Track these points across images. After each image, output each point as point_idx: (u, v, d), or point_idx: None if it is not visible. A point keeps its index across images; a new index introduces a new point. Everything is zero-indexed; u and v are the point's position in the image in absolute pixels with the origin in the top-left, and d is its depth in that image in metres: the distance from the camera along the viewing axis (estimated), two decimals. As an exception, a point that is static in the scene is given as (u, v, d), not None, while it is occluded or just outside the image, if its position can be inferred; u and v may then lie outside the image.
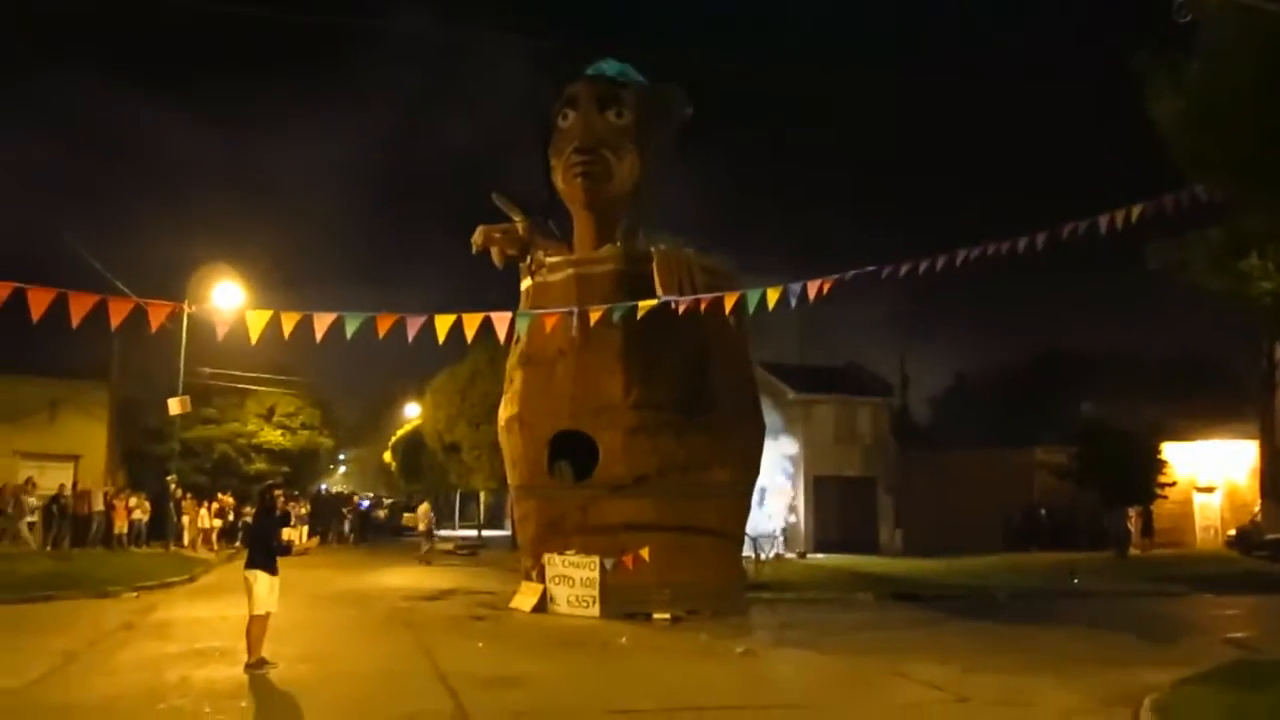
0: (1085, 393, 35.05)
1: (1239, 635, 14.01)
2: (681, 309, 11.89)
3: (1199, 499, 33.23)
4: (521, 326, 11.91)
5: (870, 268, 10.54)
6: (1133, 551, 28.66)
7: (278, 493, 11.25)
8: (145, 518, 27.84)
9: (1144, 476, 29.06)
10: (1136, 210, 10.44)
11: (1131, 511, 29.77)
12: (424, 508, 30.80)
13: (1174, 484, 30.47)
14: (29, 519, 24.82)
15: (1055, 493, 32.07)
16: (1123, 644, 13.05)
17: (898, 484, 35.26)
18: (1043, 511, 33.30)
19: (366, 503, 51.35)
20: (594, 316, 10.98)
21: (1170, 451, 30.57)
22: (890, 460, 35.93)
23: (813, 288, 10.19)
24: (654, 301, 10.88)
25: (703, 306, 11.01)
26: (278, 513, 11.22)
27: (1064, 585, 20.98)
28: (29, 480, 25.65)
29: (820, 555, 31.49)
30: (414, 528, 48.67)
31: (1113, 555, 27.77)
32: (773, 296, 10.12)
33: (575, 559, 15.46)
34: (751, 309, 10.39)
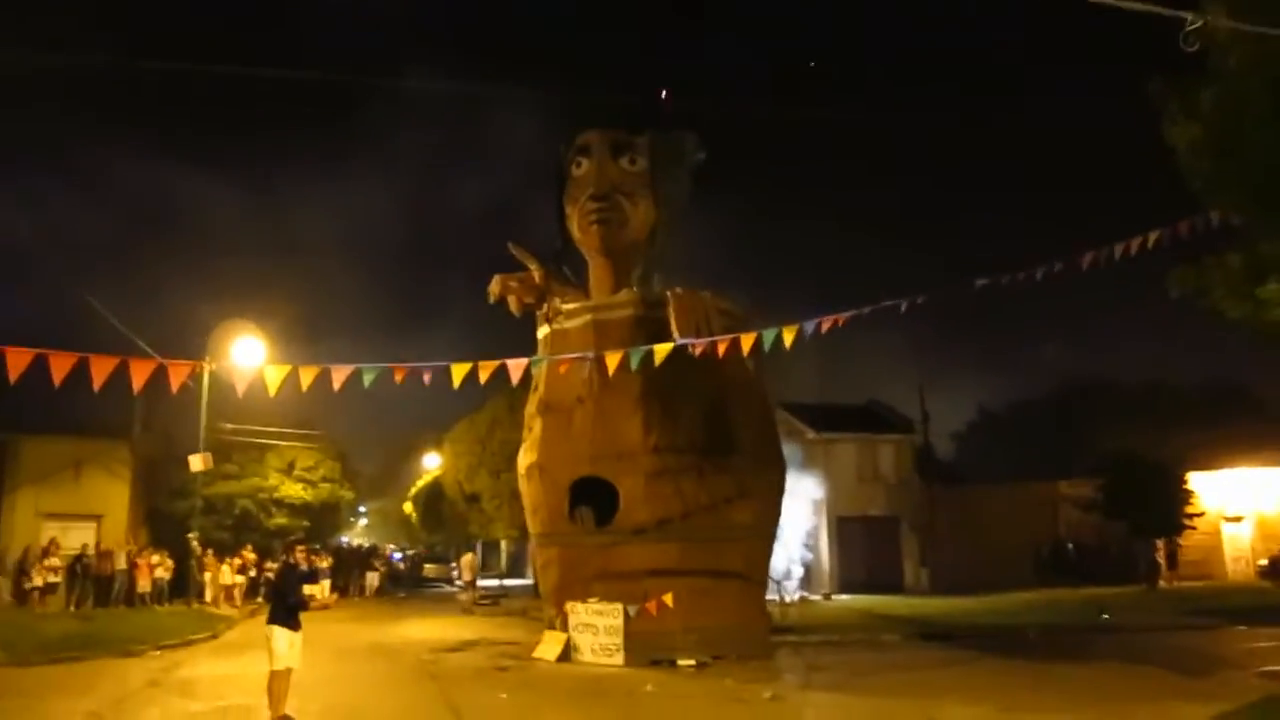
0: (1110, 423, 34.71)
1: (1274, 668, 13.71)
2: (698, 351, 11.88)
3: (1228, 529, 32.69)
4: (538, 371, 11.92)
5: (885, 302, 10.50)
6: (1161, 584, 28.22)
7: (300, 548, 11.22)
8: (168, 575, 27.83)
9: (1171, 507, 28.68)
10: (1154, 236, 10.39)
11: (1159, 543, 29.36)
12: (469, 558, 31.20)
13: (1202, 514, 30.02)
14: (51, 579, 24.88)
15: (1082, 526, 31.67)
16: (1156, 679, 12.80)
17: (922, 522, 34.92)
18: (1070, 546, 32.86)
19: (398, 554, 51.40)
20: (611, 362, 10.97)
21: (1197, 481, 30.17)
22: (914, 498, 35.62)
23: (827, 323, 10.16)
24: (671, 345, 10.85)
25: (720, 349, 10.96)
26: (302, 569, 11.17)
27: (1094, 621, 20.65)
28: (53, 541, 25.74)
29: (846, 596, 31.17)
30: (436, 579, 48.88)
31: (1143, 589, 27.35)
32: (789, 335, 10.09)
33: (598, 607, 15.33)
34: (768, 347, 10.35)
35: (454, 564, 52.37)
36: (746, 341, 10.36)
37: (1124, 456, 28.81)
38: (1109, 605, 22.19)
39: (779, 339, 10.13)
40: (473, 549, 32.43)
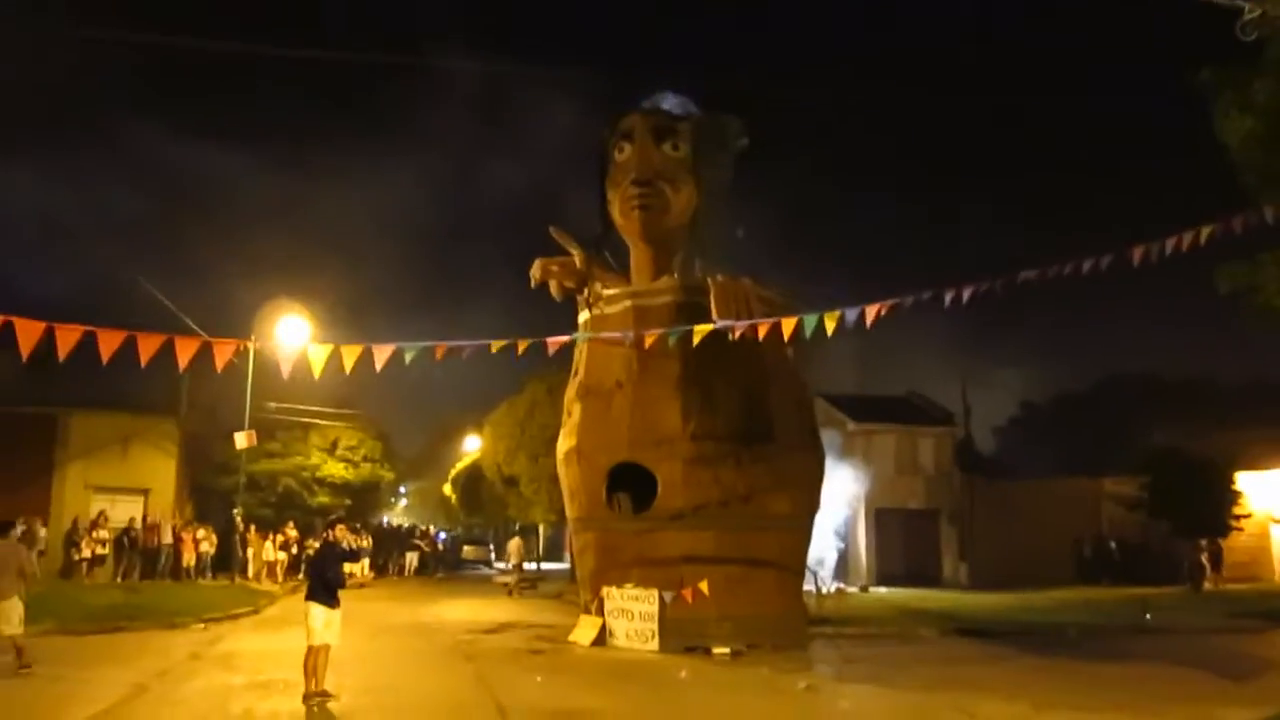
0: (1155, 420, 34.15)
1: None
2: (737, 334, 11.82)
3: (1276, 531, 32.09)
4: (578, 356, 11.90)
5: (928, 292, 10.36)
6: (1205, 586, 27.75)
7: (341, 527, 11.36)
8: (212, 550, 28.33)
9: (1217, 507, 28.18)
10: (1205, 232, 10.17)
11: (1202, 543, 28.86)
12: (516, 542, 31.52)
13: (1249, 515, 29.46)
14: (99, 551, 25.42)
15: (1125, 524, 31.20)
16: (1199, 681, 12.59)
17: (962, 515, 34.61)
18: (1112, 544, 32.41)
19: (443, 535, 51.94)
20: (649, 340, 10.94)
21: (1245, 481, 29.62)
22: (954, 491, 35.30)
23: (870, 311, 10.05)
24: (710, 326, 10.79)
25: (761, 333, 10.86)
26: (342, 547, 11.29)
27: (1137, 620, 20.36)
28: (101, 513, 26.29)
29: (883, 589, 30.99)
30: (475, 560, 49.34)
31: (1186, 589, 26.93)
32: (830, 322, 10.00)
33: (634, 592, 15.38)
34: (809, 333, 10.27)
35: (490, 545, 52.93)
36: (788, 326, 10.30)
37: (1169, 454, 28.34)
38: (1152, 605, 21.86)
39: (820, 326, 10.05)
40: (520, 533, 32.64)
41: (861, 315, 10.01)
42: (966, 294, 10.30)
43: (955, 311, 10.34)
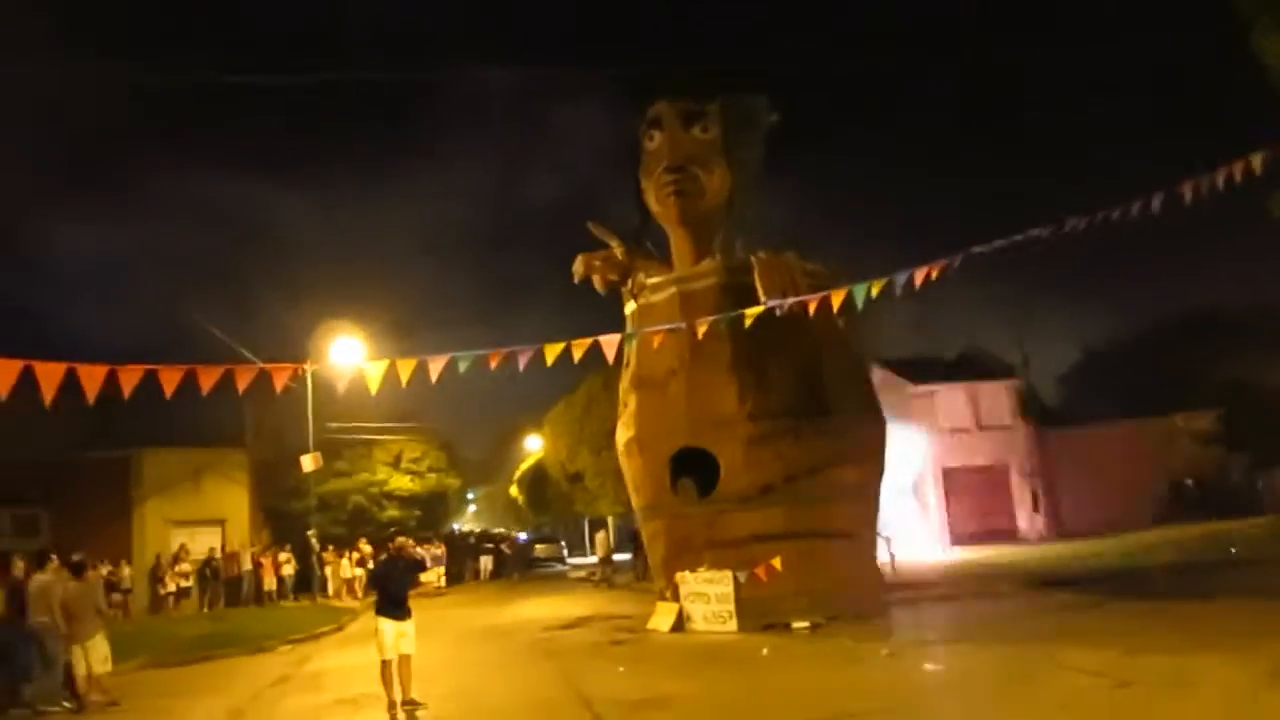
0: (1220, 353, 33.38)
1: None
2: (786, 310, 11.71)
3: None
4: (632, 349, 11.87)
5: (976, 248, 10.15)
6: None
7: (400, 539, 11.49)
8: (292, 572, 28.90)
9: (1297, 435, 27.49)
10: (1257, 160, 9.90)
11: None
12: (601, 535, 31.77)
13: (1332, 440, 28.70)
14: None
15: (1201, 460, 30.60)
16: (1291, 613, 12.34)
17: (1032, 468, 34.15)
18: (1189, 481, 31.79)
19: (524, 537, 52.52)
20: (701, 330, 10.92)
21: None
22: (1022, 443, 34.83)
23: (919, 275, 9.90)
24: (760, 308, 10.72)
25: (811, 309, 10.75)
26: (408, 558, 11.40)
27: (1222, 556, 19.98)
28: (182, 547, 26.92)
29: (958, 549, 30.73)
30: (547, 559, 49.76)
31: (1272, 520, 26.33)
32: (878, 289, 9.87)
33: (708, 575, 15.40)
34: (860, 304, 10.14)
35: (561, 542, 53.34)
36: (836, 299, 10.16)
37: (1241, 385, 27.72)
38: (1235, 540, 21.44)
39: (869, 295, 9.92)
40: (604, 528, 32.92)
41: (910, 280, 9.87)
42: (1011, 243, 10.10)
43: (1008, 264, 10.15)
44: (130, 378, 7.63)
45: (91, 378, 7.45)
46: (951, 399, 35.31)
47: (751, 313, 10.63)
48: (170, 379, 7.84)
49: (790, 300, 11.36)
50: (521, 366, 9.36)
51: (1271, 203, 10.29)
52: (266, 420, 30.74)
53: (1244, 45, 9.47)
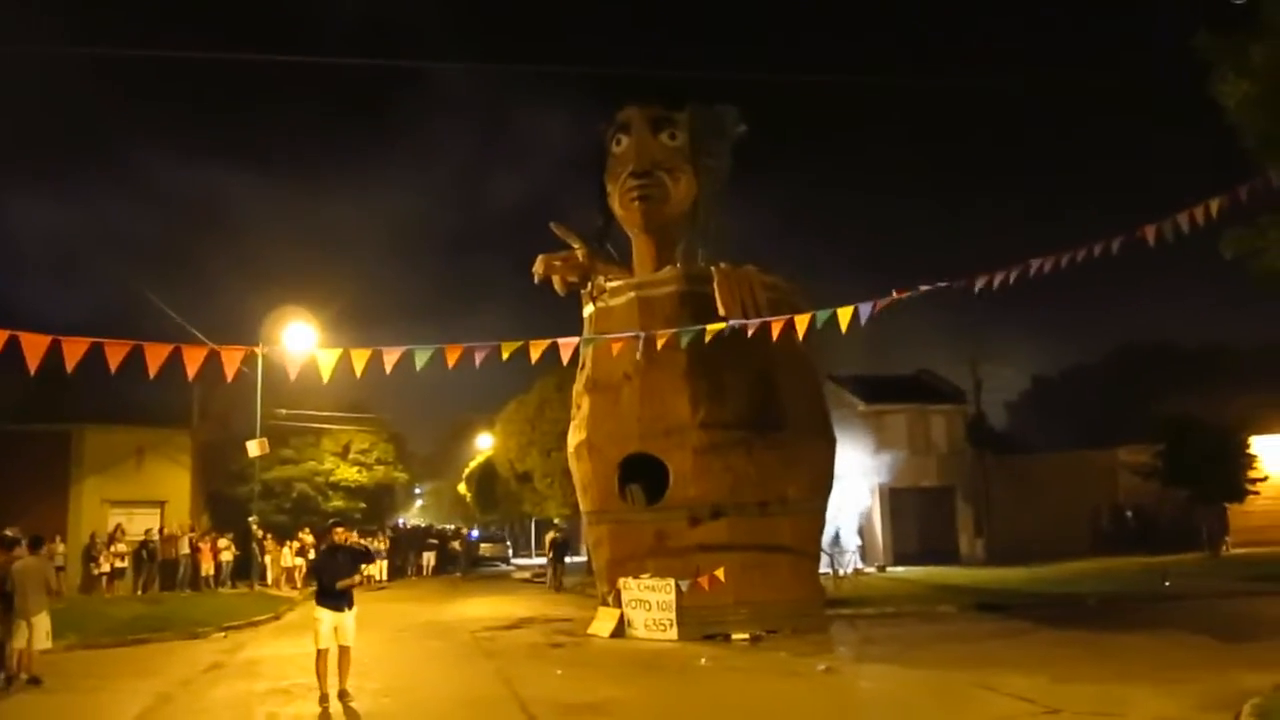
0: (1168, 389, 34.02)
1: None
2: (751, 332, 11.67)
3: (1293, 493, 31.97)
4: (587, 351, 11.79)
5: (942, 283, 10.26)
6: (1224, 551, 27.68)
7: (339, 529, 11.35)
8: (232, 559, 28.47)
9: (1233, 473, 28.08)
10: (1215, 204, 10.12)
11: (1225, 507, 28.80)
12: (551, 535, 31.55)
13: (1265, 479, 29.35)
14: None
15: (1141, 493, 31.11)
16: (1219, 647, 12.60)
17: (976, 492, 34.58)
18: (1129, 513, 32.36)
19: (475, 534, 52.22)
20: (660, 341, 10.84)
21: (1260, 445, 29.50)
22: (967, 468, 35.27)
23: (882, 304, 9.98)
24: (722, 325, 10.64)
25: (774, 333, 10.58)
26: (346, 549, 11.22)
27: (1155, 588, 20.34)
28: (118, 526, 26.44)
29: (900, 568, 31.00)
30: (492, 558, 49.55)
31: (1205, 555, 26.86)
32: (844, 316, 9.90)
33: (651, 582, 15.41)
34: (820, 326, 10.18)
35: (507, 542, 53.15)
36: (801, 323, 10.19)
37: (1183, 421, 28.23)
38: (1170, 573, 21.83)
39: (833, 320, 9.96)
40: (556, 528, 32.68)
41: (874, 308, 9.95)
42: (980, 284, 10.22)
43: (963, 289, 10.25)
44: (74, 350, 7.47)
45: (34, 347, 7.28)
46: (901, 420, 35.67)
47: (713, 329, 10.52)
48: (115, 354, 7.68)
49: (754, 322, 11.17)
50: (478, 363, 9.27)
51: (1224, 242, 10.50)
52: (213, 403, 30.27)
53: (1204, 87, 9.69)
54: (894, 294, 9.97)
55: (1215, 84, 9.50)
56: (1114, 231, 10.12)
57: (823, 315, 9.95)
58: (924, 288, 10.12)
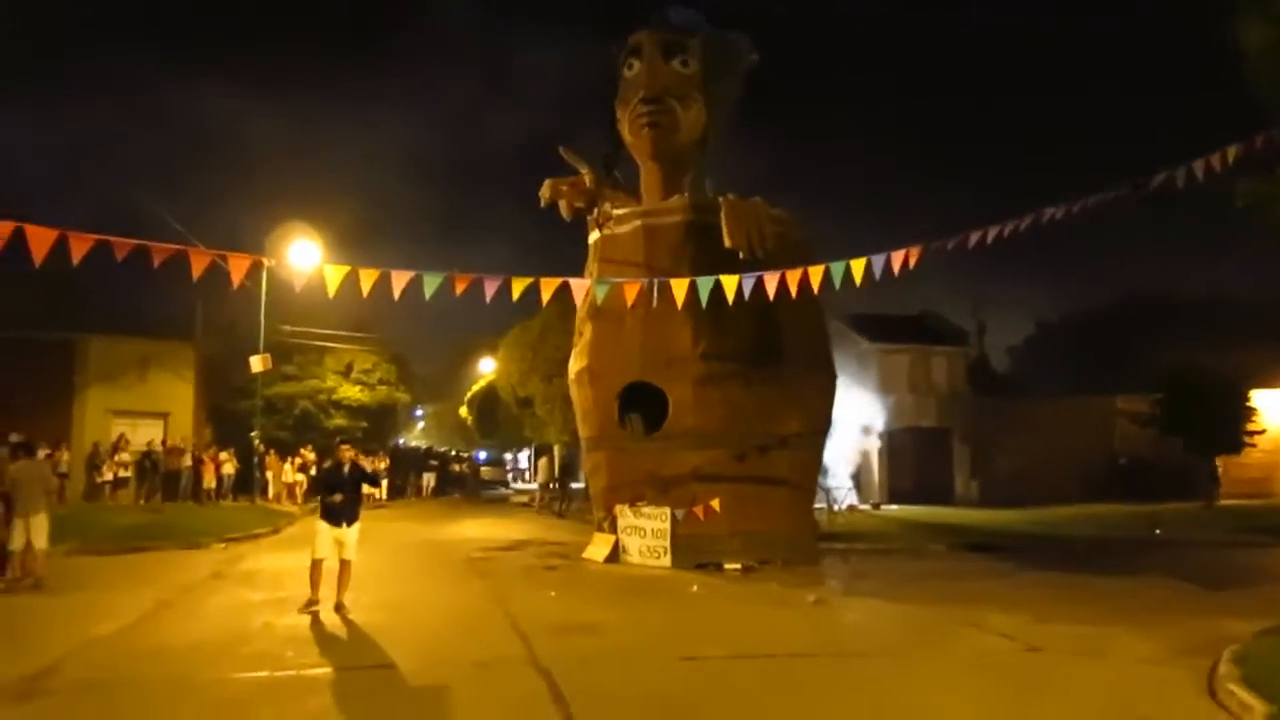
0: (1169, 338, 33.93)
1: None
2: (750, 256, 11.56)
3: (1290, 446, 32.10)
4: (600, 294, 11.66)
5: (957, 236, 10.16)
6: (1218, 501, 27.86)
7: (344, 447, 11.48)
8: (233, 472, 28.78)
9: (1230, 424, 28.14)
10: (1232, 152, 10.00)
11: (1219, 461, 28.92)
12: (544, 462, 31.90)
13: (1263, 431, 29.42)
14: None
15: (1138, 441, 31.24)
16: (1204, 594, 12.77)
17: (974, 434, 34.73)
18: (1123, 461, 32.53)
19: (482, 456, 52.60)
20: (678, 290, 10.57)
21: (1260, 398, 29.53)
22: (966, 410, 35.38)
23: (897, 259, 9.89)
24: (738, 277, 10.44)
25: (791, 289, 10.32)
26: (358, 469, 11.36)
27: (1145, 535, 20.55)
28: (122, 436, 26.68)
29: (894, 506, 31.32)
30: (492, 481, 50.05)
31: (1199, 505, 27.06)
32: (858, 269, 9.82)
33: (647, 510, 15.58)
34: (838, 283, 10.08)
35: (507, 466, 53.58)
36: (815, 275, 10.12)
37: (1182, 371, 28.22)
38: (1163, 521, 22.03)
39: (848, 274, 9.89)
40: (548, 454, 32.96)
41: (888, 263, 9.89)
42: (992, 235, 10.18)
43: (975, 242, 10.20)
44: (80, 246, 7.45)
45: (40, 240, 7.25)
46: (903, 360, 35.74)
47: (729, 283, 10.28)
48: (122, 249, 7.67)
49: (772, 274, 10.76)
50: (488, 298, 9.22)
51: (1237, 191, 10.38)
52: (217, 316, 30.31)
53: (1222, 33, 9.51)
54: (906, 252, 9.91)
55: (1240, 31, 9.31)
56: (1123, 178, 10.05)
57: (838, 269, 9.89)
58: (937, 243, 10.08)
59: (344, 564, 10.83)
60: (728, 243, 14.55)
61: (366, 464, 13.72)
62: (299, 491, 29.78)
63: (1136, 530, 21.40)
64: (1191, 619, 10.44)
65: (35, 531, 12.13)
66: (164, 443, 27.70)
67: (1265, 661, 7.63)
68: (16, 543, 12.11)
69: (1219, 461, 29.00)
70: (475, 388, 46.86)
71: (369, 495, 18.37)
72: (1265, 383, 30.40)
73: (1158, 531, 20.87)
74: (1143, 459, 31.57)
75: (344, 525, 10.80)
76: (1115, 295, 48.25)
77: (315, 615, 10.36)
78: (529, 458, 54.70)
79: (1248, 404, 28.74)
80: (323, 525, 10.84)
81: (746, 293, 10.18)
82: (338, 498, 10.79)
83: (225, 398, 32.32)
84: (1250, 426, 28.68)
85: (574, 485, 31.14)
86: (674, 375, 15.76)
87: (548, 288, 9.43)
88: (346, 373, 35.66)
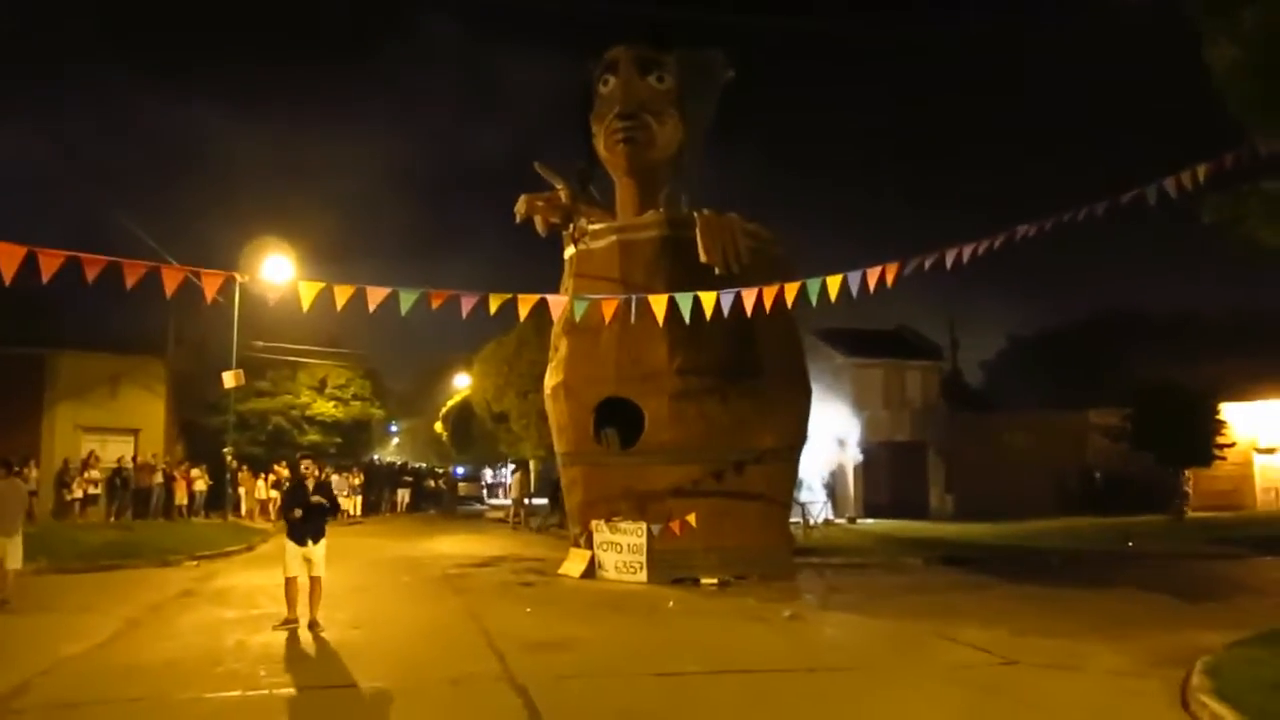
0: (1141, 353, 34.34)
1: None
2: (725, 271, 11.57)
3: (1260, 460, 32.48)
4: (579, 310, 11.64)
5: (934, 255, 10.31)
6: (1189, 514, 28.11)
7: (306, 462, 11.39)
8: (205, 489, 28.47)
9: (1201, 438, 28.43)
10: (1202, 170, 10.17)
11: (1188, 474, 29.19)
12: (517, 477, 31.72)
13: (1233, 445, 29.75)
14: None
15: (1110, 455, 31.50)
16: (1176, 607, 12.88)
17: (948, 448, 34.94)
18: (1097, 475, 32.79)
19: (459, 471, 52.39)
20: (656, 306, 10.57)
21: (1230, 412, 29.85)
22: (940, 424, 35.60)
23: (873, 275, 9.99)
24: (716, 294, 10.47)
25: (767, 301, 10.29)
26: (310, 482, 11.23)
27: (1118, 549, 20.70)
28: (91, 453, 26.35)
29: (870, 520, 31.40)
30: (467, 496, 49.84)
31: (1170, 518, 27.29)
32: (833, 286, 9.88)
33: (623, 525, 15.55)
34: (814, 300, 10.15)
35: (482, 481, 53.36)
36: (791, 291, 10.17)
37: (1154, 385, 28.52)
38: (1135, 534, 22.20)
39: (823, 290, 9.97)
40: (522, 469, 32.83)
41: (864, 280, 9.97)
42: (968, 253, 10.30)
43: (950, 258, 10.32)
44: (51, 262, 7.38)
45: (9, 257, 7.17)
46: (877, 374, 35.92)
47: (708, 299, 10.31)
48: (92, 267, 7.60)
49: (748, 291, 10.78)
50: (464, 314, 9.19)
51: (1204, 207, 10.52)
52: (188, 332, 30.05)
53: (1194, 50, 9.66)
54: (883, 268, 10.02)
55: (1205, 48, 9.45)
56: (1094, 197, 10.23)
57: (813, 285, 9.97)
58: (928, 262, 10.20)
59: (314, 581, 10.75)
60: (703, 258, 14.59)
61: (341, 480, 13.62)
62: (272, 508, 29.39)
63: (1109, 543, 21.56)
64: (1164, 631, 10.53)
65: (10, 552, 11.98)
66: (134, 459, 27.38)
67: (1237, 673, 7.70)
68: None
69: (1189, 474, 29.29)
70: (450, 403, 46.70)
71: (343, 512, 18.24)
72: (1235, 396, 30.74)
73: (1130, 544, 21.04)
74: (1115, 472, 31.83)
75: (309, 542, 10.74)
76: (1088, 310, 48.86)
77: (292, 633, 10.28)
78: (510, 473, 54.63)
79: (1218, 417, 29.06)
80: (292, 545, 10.81)
81: (725, 310, 10.17)
82: (298, 514, 10.71)
83: (197, 413, 32.00)
84: (1220, 440, 28.99)
85: (534, 500, 31.19)
86: (650, 390, 15.76)
87: (525, 304, 9.43)
88: (320, 388, 35.41)
